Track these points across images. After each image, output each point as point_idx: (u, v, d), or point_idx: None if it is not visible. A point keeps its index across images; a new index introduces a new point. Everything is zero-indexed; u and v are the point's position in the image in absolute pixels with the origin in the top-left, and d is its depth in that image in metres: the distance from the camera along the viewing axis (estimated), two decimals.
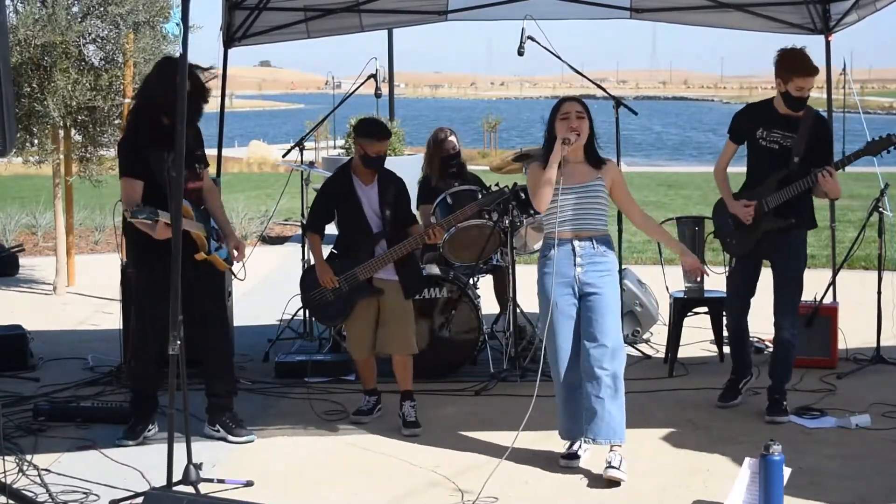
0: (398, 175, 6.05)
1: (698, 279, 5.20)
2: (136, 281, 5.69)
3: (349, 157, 6.40)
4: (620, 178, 5.30)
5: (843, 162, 5.86)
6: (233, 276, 6.02)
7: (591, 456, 5.32)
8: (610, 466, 5.01)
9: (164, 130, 5.37)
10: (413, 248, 5.91)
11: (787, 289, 5.97)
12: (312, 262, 6.12)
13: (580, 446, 5.28)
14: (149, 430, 5.65)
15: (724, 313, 6.74)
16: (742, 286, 6.16)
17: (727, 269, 6.44)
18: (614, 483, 4.97)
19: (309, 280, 6.07)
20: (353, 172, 5.96)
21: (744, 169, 6.15)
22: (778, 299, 6.00)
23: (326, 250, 6.04)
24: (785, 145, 5.90)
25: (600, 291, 5.14)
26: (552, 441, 5.50)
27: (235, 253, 5.73)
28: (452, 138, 7.57)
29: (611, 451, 5.09)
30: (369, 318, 5.92)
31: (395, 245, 5.84)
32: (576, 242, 5.15)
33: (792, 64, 5.82)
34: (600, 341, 5.08)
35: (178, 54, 4.71)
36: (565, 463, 5.25)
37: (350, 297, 5.91)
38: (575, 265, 5.14)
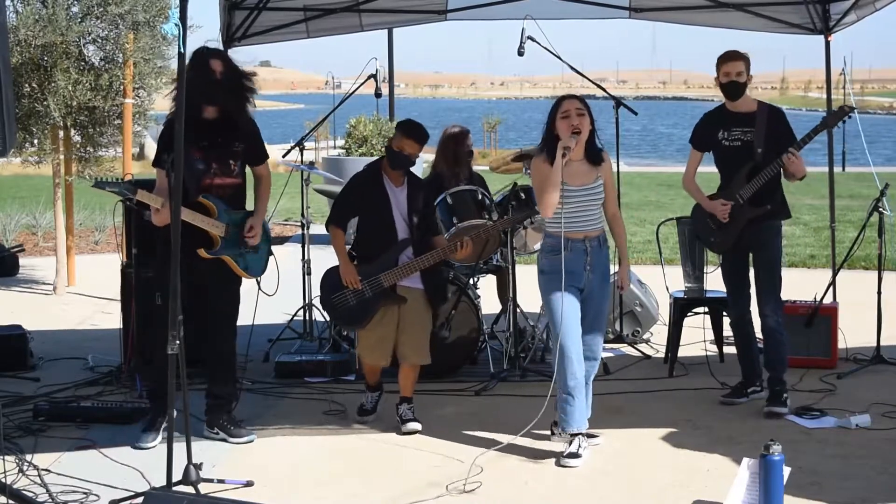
0: None
1: (620, 290, 5.65)
2: (156, 276, 5.65)
3: (356, 159, 6.38)
4: (611, 175, 5.55)
5: (803, 140, 6.01)
6: (258, 286, 5.92)
7: (592, 454, 5.33)
8: (570, 453, 5.28)
9: (201, 122, 5.39)
10: (439, 261, 5.87)
11: (766, 277, 6.10)
12: (314, 261, 6.07)
13: (580, 445, 5.29)
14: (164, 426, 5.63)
15: (726, 313, 6.78)
16: (733, 282, 6.25)
17: (716, 269, 6.53)
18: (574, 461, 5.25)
19: (331, 281, 5.89)
20: (384, 171, 5.91)
21: (715, 169, 6.29)
22: (759, 289, 6.13)
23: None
24: (747, 140, 6.07)
25: (601, 290, 5.47)
26: (552, 440, 5.51)
27: (251, 235, 5.58)
28: (470, 137, 7.57)
29: (575, 437, 5.33)
30: (389, 325, 5.80)
31: (422, 255, 5.77)
32: (587, 242, 5.38)
33: (718, 59, 6.14)
34: (596, 334, 5.50)
35: (176, 55, 4.70)
36: (567, 462, 5.25)
37: (373, 303, 5.78)
38: (586, 266, 5.37)
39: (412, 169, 6.00)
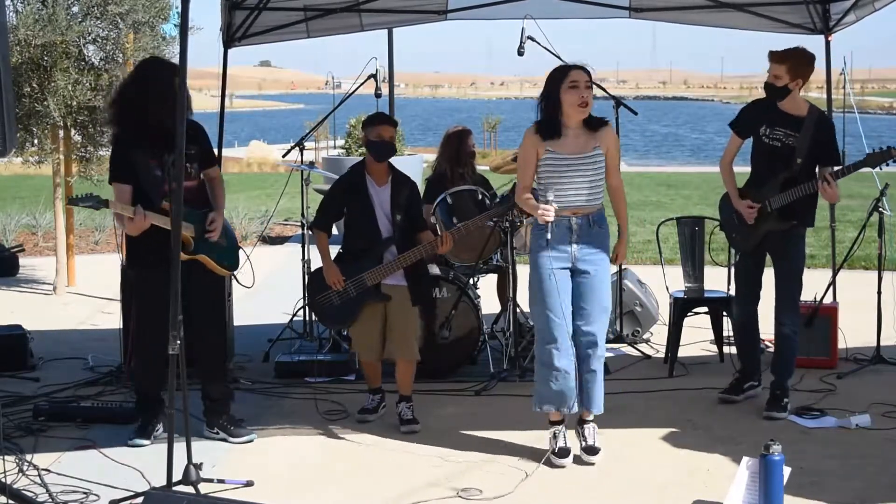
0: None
1: (614, 262, 5.51)
2: (136, 282, 5.69)
3: (359, 159, 6.37)
4: (614, 146, 5.32)
5: (842, 172, 5.88)
6: (234, 280, 5.97)
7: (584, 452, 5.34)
8: (588, 447, 5.33)
9: (150, 131, 5.42)
10: (423, 256, 5.89)
11: (787, 285, 6.02)
12: (314, 261, 6.09)
13: (566, 441, 5.28)
14: (156, 430, 5.63)
15: (730, 310, 6.76)
16: (746, 281, 6.22)
17: (730, 267, 6.49)
18: (595, 451, 5.32)
19: (316, 282, 5.99)
20: (367, 172, 5.92)
21: (747, 168, 6.19)
22: (778, 296, 6.06)
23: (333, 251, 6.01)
24: (788, 143, 5.92)
25: (594, 270, 5.26)
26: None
27: (212, 228, 5.57)
28: (472, 137, 7.65)
29: (586, 424, 5.39)
30: (376, 323, 5.85)
31: (406, 252, 5.80)
32: (573, 220, 5.22)
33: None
34: (593, 320, 5.27)
35: (176, 54, 4.71)
36: (557, 461, 5.22)
37: (357, 302, 5.83)
38: (571, 242, 5.22)
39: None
